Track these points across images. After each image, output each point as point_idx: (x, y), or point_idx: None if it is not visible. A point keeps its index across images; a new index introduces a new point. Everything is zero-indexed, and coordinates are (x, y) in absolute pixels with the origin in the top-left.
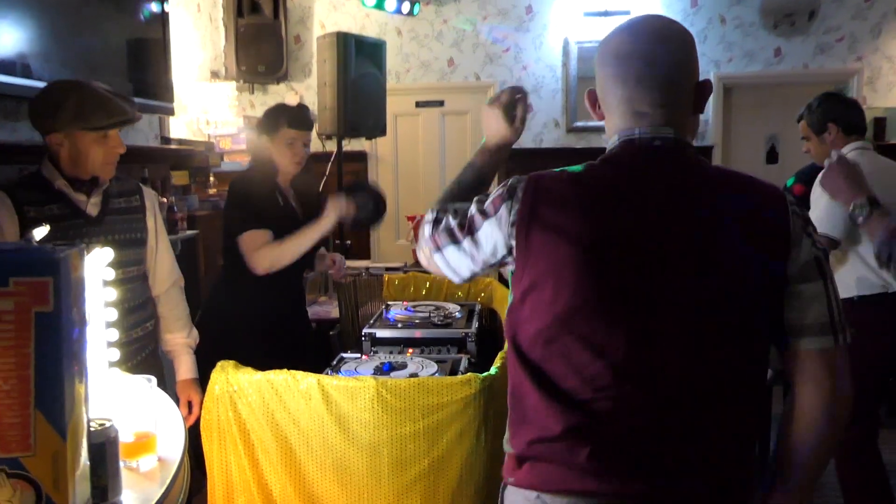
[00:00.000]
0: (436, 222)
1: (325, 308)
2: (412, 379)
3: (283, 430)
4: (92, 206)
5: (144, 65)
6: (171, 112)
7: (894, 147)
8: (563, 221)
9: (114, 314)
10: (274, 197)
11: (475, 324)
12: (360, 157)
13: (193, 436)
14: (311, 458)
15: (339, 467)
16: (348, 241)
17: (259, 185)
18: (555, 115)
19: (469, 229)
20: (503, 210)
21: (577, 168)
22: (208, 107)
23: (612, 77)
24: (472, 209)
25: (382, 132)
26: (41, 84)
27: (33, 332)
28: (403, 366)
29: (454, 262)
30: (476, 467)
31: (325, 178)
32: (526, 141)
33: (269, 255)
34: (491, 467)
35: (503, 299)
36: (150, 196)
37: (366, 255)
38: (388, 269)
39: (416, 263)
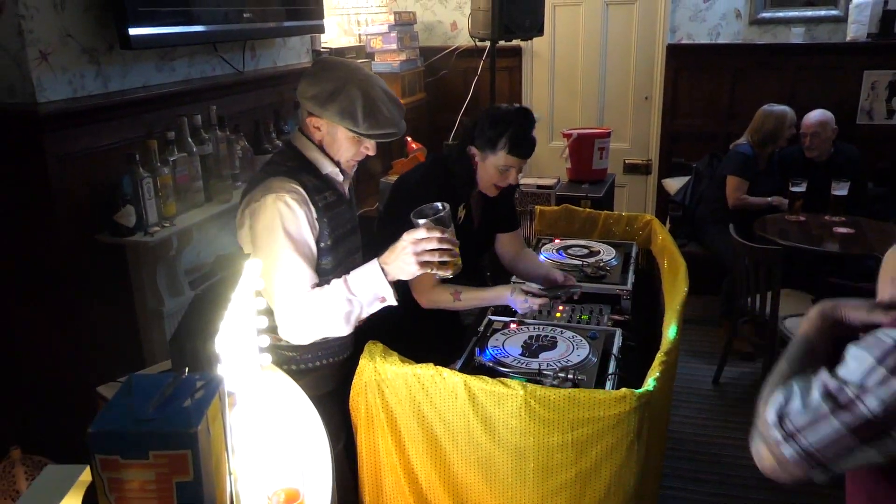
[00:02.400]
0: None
1: None
2: (562, 391)
3: (429, 422)
4: (347, 186)
5: None
6: (321, 30)
7: None
8: None
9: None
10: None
11: (630, 277)
12: (514, 52)
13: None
14: (456, 451)
15: (484, 465)
16: None
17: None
18: (736, 5)
19: None
20: None
21: None
22: (359, 3)
23: None
24: None
25: (539, 32)
26: (197, 28)
27: (175, 499)
28: (553, 344)
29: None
30: (625, 481)
31: (476, 76)
32: (700, 35)
33: (434, 299)
34: (642, 482)
35: (663, 244)
36: None
37: None
38: (539, 186)
39: (572, 181)
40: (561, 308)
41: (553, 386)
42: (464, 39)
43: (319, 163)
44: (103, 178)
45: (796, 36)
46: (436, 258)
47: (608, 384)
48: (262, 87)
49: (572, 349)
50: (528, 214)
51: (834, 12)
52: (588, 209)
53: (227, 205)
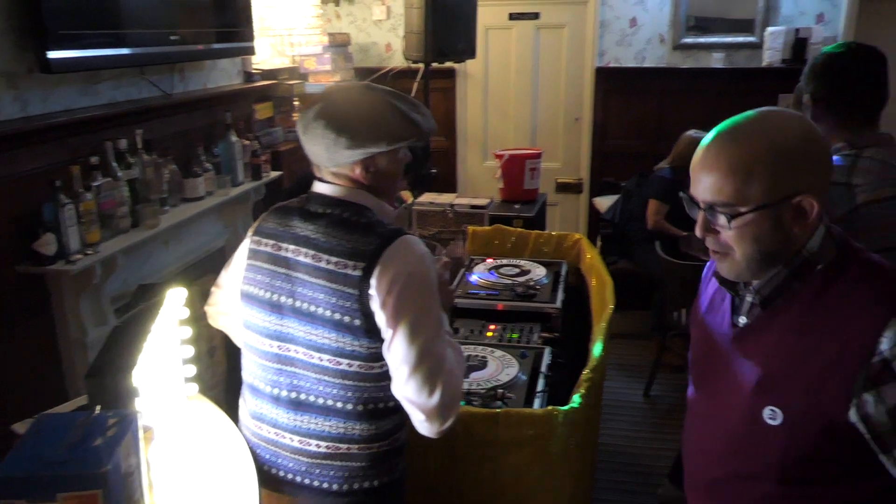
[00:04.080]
0: None
1: None
2: (490, 411)
3: None
4: None
5: (225, 6)
6: (251, 52)
7: None
8: None
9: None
10: None
11: (560, 294)
12: (448, 74)
13: None
14: None
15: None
16: (434, 170)
17: None
18: (660, 30)
19: None
20: None
21: None
22: (293, 24)
23: None
24: None
25: (472, 55)
26: (122, 51)
27: None
28: (483, 364)
29: None
30: (559, 495)
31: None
32: (627, 59)
33: None
34: (573, 496)
35: (591, 262)
36: None
37: (451, 182)
38: (473, 206)
39: (504, 201)
40: (492, 327)
41: (482, 406)
42: (398, 61)
43: (385, 211)
44: (23, 205)
45: (717, 61)
46: None
47: (536, 402)
48: (192, 109)
49: (502, 369)
50: (462, 234)
51: (751, 39)
52: (519, 229)
53: (155, 230)
